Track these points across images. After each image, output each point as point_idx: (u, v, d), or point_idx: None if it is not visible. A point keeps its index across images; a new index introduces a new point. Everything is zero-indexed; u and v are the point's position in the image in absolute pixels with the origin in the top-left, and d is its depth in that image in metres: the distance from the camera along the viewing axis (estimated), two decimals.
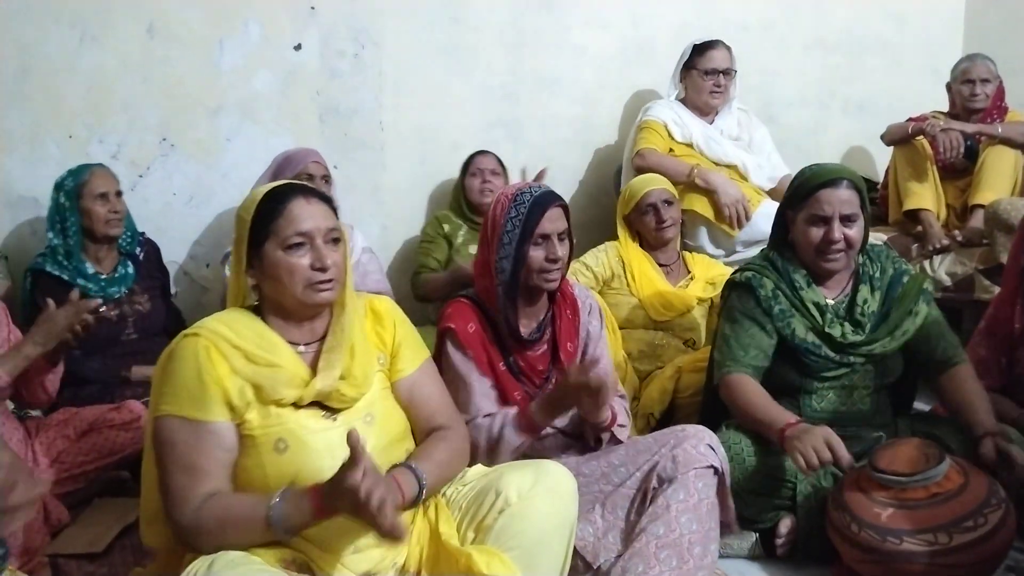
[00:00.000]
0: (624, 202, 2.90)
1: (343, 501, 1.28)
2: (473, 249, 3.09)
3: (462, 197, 3.20)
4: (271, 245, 1.47)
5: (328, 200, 1.55)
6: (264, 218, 1.47)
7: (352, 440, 1.27)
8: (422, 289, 3.08)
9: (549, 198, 1.88)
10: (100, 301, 2.24)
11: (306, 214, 1.48)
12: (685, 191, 3.10)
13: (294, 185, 1.55)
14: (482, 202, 3.12)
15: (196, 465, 1.38)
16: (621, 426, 1.94)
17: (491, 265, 1.89)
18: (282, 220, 1.46)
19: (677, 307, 2.76)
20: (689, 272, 2.90)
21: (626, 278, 2.79)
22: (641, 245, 2.87)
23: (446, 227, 3.17)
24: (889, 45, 4.04)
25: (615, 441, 1.92)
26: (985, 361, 2.27)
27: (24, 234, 2.98)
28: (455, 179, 3.29)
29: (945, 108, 3.40)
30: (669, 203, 2.82)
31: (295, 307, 1.50)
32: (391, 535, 1.27)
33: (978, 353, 2.28)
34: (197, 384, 1.40)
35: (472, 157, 3.21)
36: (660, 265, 2.84)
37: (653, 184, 2.86)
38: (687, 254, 2.98)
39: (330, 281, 1.48)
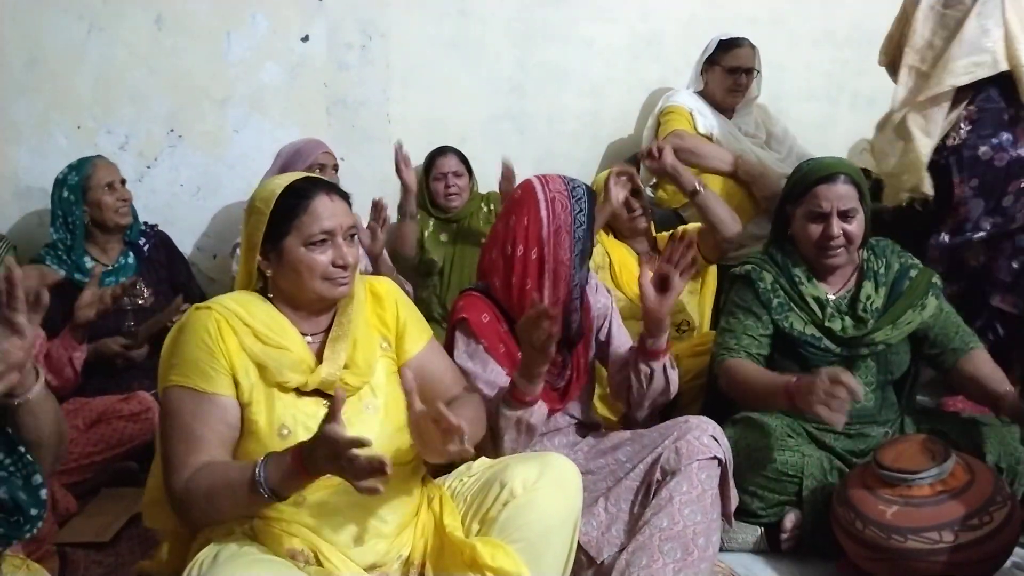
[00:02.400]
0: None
1: (321, 452, 1.25)
2: (443, 238, 3.15)
3: (427, 197, 3.18)
4: (292, 240, 1.47)
5: (346, 196, 1.56)
6: (286, 212, 1.47)
7: (336, 396, 1.27)
8: (398, 245, 3.09)
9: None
10: (135, 278, 2.44)
11: (329, 212, 1.48)
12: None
13: (316, 181, 1.54)
14: (448, 205, 3.14)
15: (196, 435, 1.39)
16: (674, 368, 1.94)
17: (541, 263, 1.84)
18: (306, 217, 1.47)
19: None
20: (660, 253, 2.84)
21: (610, 271, 2.77)
22: (614, 237, 2.83)
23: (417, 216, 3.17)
24: None
25: (665, 383, 1.91)
26: None
27: (32, 224, 2.99)
28: None
29: None
30: (636, 192, 2.79)
31: (310, 300, 1.51)
32: (369, 483, 1.22)
33: None
34: (206, 355, 1.41)
35: (433, 159, 3.18)
36: (638, 253, 2.81)
37: None
38: (659, 236, 2.89)
39: (347, 276, 1.50)
